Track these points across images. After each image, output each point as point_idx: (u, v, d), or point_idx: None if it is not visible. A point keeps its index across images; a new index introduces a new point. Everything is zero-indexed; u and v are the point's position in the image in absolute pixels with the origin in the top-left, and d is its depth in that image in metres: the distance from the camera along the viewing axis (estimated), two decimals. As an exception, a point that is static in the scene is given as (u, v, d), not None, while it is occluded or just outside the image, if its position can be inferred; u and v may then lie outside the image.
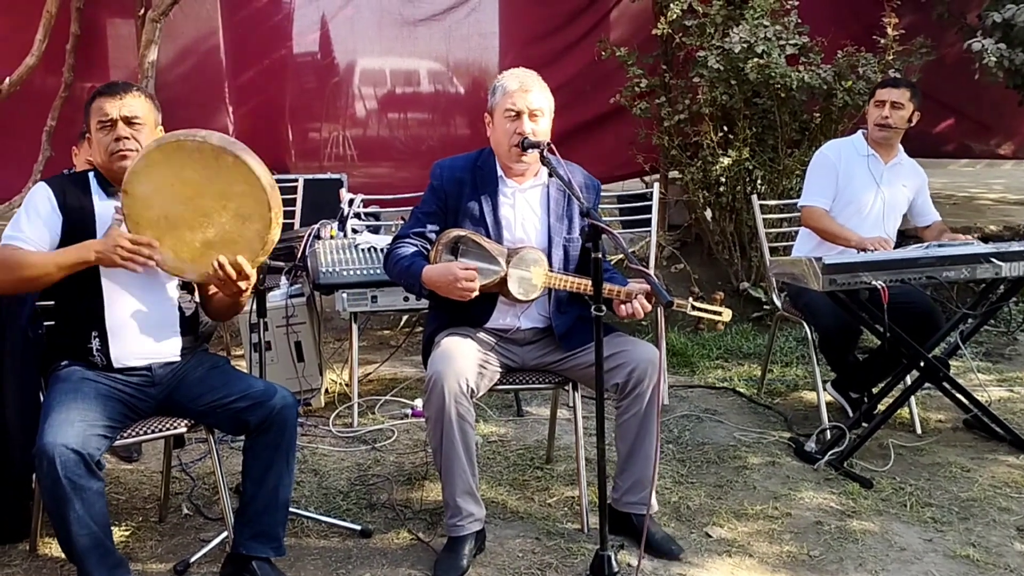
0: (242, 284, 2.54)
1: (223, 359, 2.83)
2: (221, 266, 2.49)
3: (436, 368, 2.71)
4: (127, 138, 2.57)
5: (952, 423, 3.95)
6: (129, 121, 2.58)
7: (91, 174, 2.66)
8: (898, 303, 3.25)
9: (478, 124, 6.33)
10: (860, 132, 3.99)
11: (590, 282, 2.81)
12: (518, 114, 2.83)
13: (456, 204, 2.92)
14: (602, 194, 3.23)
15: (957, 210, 6.70)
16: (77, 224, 2.55)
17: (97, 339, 2.57)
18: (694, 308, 2.92)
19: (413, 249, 2.90)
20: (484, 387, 2.87)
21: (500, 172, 2.95)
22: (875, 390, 3.79)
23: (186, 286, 2.71)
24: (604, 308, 2.52)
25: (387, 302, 3.88)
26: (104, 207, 2.59)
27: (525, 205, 2.96)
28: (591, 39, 5.94)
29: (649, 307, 2.80)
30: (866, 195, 3.86)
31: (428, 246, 2.91)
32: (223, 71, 5.90)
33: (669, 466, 3.49)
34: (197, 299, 2.77)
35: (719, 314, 2.95)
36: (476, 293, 2.75)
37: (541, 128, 2.86)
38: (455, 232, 2.86)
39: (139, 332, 2.60)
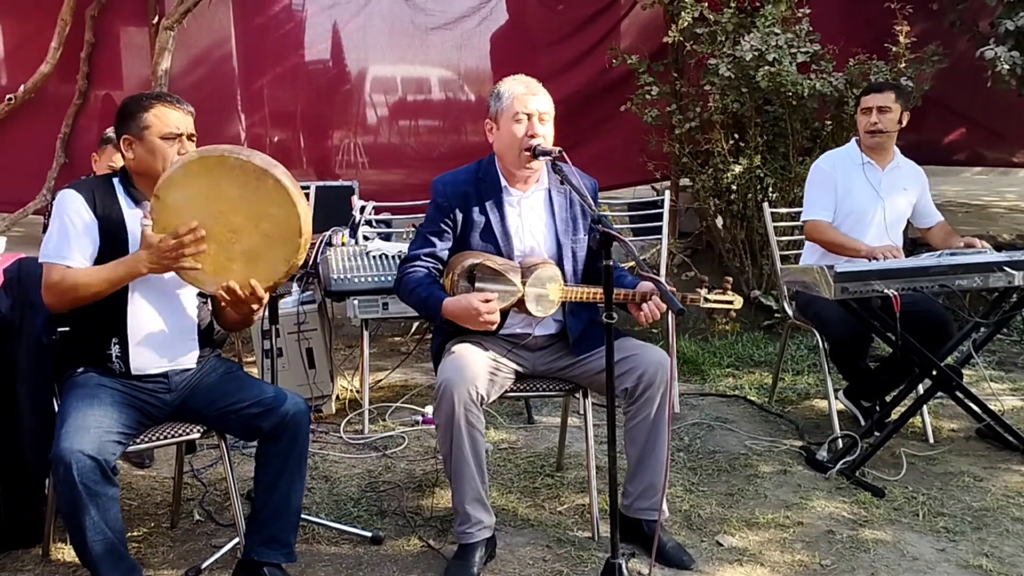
0: (253, 305, 2.55)
1: (236, 365, 2.84)
2: (230, 289, 2.48)
3: (446, 375, 2.72)
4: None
5: (965, 432, 3.93)
6: (191, 137, 2.62)
7: (116, 180, 2.65)
8: (910, 311, 3.24)
9: (490, 131, 6.32)
10: (853, 140, 3.97)
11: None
12: (528, 117, 2.84)
13: (464, 218, 2.90)
14: (613, 201, 3.23)
15: (970, 218, 6.67)
16: (110, 230, 2.54)
17: (117, 346, 2.57)
18: (707, 301, 2.92)
19: (424, 273, 2.89)
20: (495, 394, 2.87)
21: (503, 181, 2.95)
22: (887, 398, 3.78)
23: (202, 294, 2.71)
24: (616, 316, 2.51)
25: (398, 309, 3.88)
26: (133, 215, 2.59)
27: (531, 211, 2.96)
28: (602, 47, 5.95)
29: (664, 307, 2.79)
30: (867, 204, 3.84)
31: (440, 266, 2.91)
32: (235, 79, 5.94)
33: (680, 474, 3.49)
34: (210, 308, 2.78)
35: (730, 302, 2.94)
36: (497, 324, 2.75)
37: (549, 132, 2.87)
38: (470, 260, 2.83)
39: (159, 340, 2.61)
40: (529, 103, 2.84)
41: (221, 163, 2.45)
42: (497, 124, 2.91)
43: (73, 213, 2.53)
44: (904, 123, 3.88)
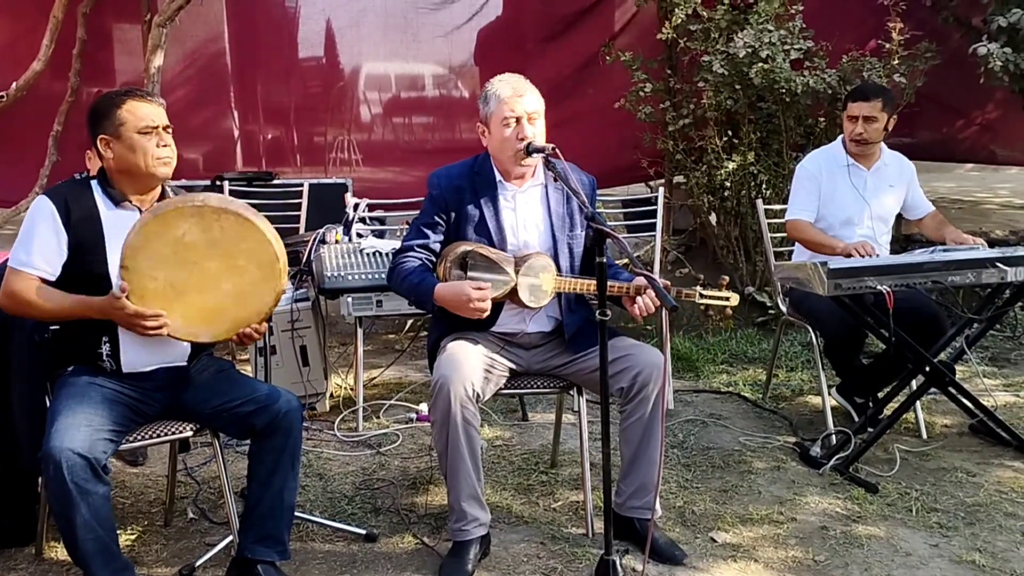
0: (257, 336, 2.65)
1: (228, 363, 2.84)
2: (247, 335, 2.60)
3: (442, 372, 2.72)
4: (168, 146, 2.59)
5: (958, 428, 3.94)
6: (167, 129, 2.61)
7: (94, 182, 2.62)
8: (902, 307, 3.25)
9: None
10: (839, 139, 3.95)
11: None
12: (517, 120, 2.83)
13: (458, 212, 2.91)
14: (607, 198, 3.23)
15: (963, 214, 6.68)
16: (85, 236, 2.53)
17: (108, 345, 2.56)
18: (702, 296, 2.92)
19: (418, 263, 2.89)
20: (490, 391, 2.87)
21: (499, 177, 2.95)
22: (880, 395, 3.79)
23: None
24: (609, 313, 2.51)
25: (392, 306, 3.88)
26: (111, 216, 2.57)
27: (526, 207, 2.96)
28: (595, 44, 5.95)
29: (659, 301, 2.79)
30: (852, 207, 3.84)
31: (432, 258, 2.91)
32: (228, 76, 5.93)
33: (674, 471, 3.49)
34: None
35: (727, 299, 2.94)
36: (488, 313, 2.75)
37: (539, 130, 2.87)
38: (462, 247, 2.84)
39: (150, 339, 2.60)
40: (516, 106, 2.82)
41: (179, 214, 2.46)
42: (488, 128, 2.90)
43: (42, 222, 2.51)
44: (891, 129, 3.86)
